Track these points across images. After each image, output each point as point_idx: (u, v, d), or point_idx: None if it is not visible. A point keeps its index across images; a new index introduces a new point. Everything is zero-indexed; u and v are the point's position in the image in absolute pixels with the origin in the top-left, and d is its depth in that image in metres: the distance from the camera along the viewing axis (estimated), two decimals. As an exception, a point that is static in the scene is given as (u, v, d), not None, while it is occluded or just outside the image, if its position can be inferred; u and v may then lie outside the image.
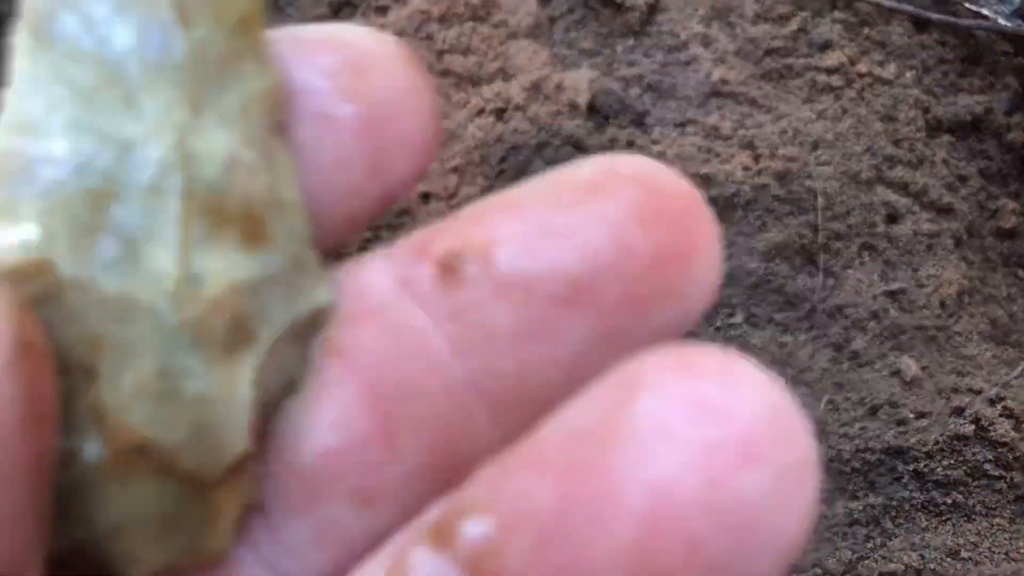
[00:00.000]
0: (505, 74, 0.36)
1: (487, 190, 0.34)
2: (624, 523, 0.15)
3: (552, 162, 0.35)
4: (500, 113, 0.36)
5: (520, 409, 0.19)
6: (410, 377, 0.19)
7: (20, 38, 0.19)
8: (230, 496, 0.19)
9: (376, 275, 0.21)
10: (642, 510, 0.15)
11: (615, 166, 0.19)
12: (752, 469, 0.16)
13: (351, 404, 0.20)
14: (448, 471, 0.20)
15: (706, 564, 0.15)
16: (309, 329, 0.20)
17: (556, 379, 0.19)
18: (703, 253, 0.19)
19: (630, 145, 0.35)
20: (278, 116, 0.20)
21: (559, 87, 0.36)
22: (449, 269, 0.19)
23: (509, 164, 0.35)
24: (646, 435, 0.16)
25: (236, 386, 0.19)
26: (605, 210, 0.19)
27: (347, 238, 0.22)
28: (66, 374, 0.19)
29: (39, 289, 0.18)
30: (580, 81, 0.36)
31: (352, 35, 0.21)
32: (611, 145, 0.35)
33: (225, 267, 0.19)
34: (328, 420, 0.20)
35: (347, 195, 0.21)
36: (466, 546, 0.17)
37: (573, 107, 0.36)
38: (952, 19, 0.39)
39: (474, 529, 0.17)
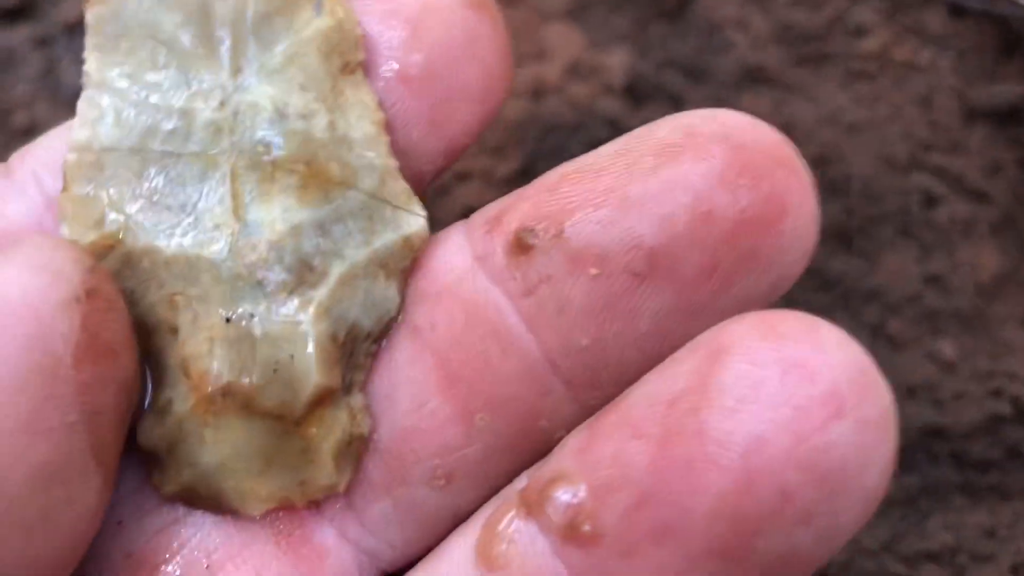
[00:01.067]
0: (540, 56, 0.37)
1: (524, 170, 0.35)
2: (719, 478, 0.16)
3: (588, 143, 0.35)
4: (536, 95, 0.36)
5: (598, 384, 0.19)
6: (485, 356, 0.19)
7: (87, 46, 0.21)
8: (323, 429, 0.20)
9: (451, 250, 0.21)
10: (736, 465, 0.16)
11: (695, 124, 0.19)
12: (838, 424, 0.16)
13: (427, 384, 0.20)
14: (528, 447, 0.20)
15: (797, 513, 0.16)
16: (399, 258, 0.21)
17: (635, 354, 0.19)
18: (795, 213, 0.18)
19: (666, 127, 0.35)
20: (347, 56, 0.21)
21: (594, 70, 0.36)
22: (522, 243, 0.19)
23: (545, 145, 0.35)
24: (738, 396, 0.16)
25: (299, 323, 0.19)
26: (683, 174, 0.18)
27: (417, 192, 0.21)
28: (156, 334, 0.20)
29: (118, 261, 0.20)
30: (615, 64, 0.36)
31: None
32: (647, 127, 0.35)
33: (282, 212, 0.20)
34: (404, 401, 0.20)
35: (408, 152, 0.21)
36: (558, 513, 0.17)
37: (608, 89, 0.36)
38: (989, 7, 0.38)
39: (565, 496, 0.17)
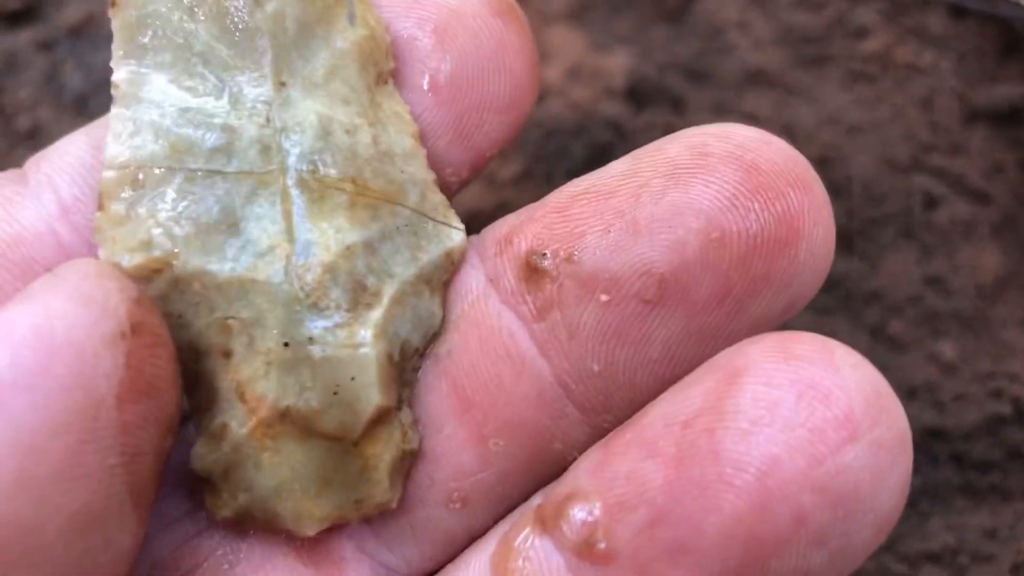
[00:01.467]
0: (542, 59, 0.37)
1: (525, 172, 0.35)
2: (734, 499, 0.16)
3: (589, 145, 0.35)
4: (537, 97, 0.36)
5: (611, 408, 0.19)
6: (499, 380, 0.19)
7: (115, 56, 0.20)
8: (379, 447, 0.19)
9: (465, 270, 0.20)
10: (751, 486, 0.16)
11: (708, 142, 0.18)
12: (853, 446, 0.16)
13: (442, 410, 0.20)
14: (542, 470, 0.20)
15: (812, 536, 0.16)
16: (442, 273, 0.20)
17: (647, 379, 0.19)
18: (809, 234, 0.18)
19: (668, 129, 0.35)
20: (380, 66, 0.20)
21: (596, 72, 0.36)
22: (532, 266, 0.19)
23: (548, 147, 0.35)
24: (753, 417, 0.16)
25: (358, 346, 0.19)
26: (693, 198, 0.18)
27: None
28: (206, 358, 0.19)
29: (163, 286, 0.19)
30: (617, 66, 0.36)
31: None
32: (649, 129, 0.35)
33: (334, 232, 0.19)
34: (421, 427, 0.20)
35: (435, 162, 0.21)
36: (574, 530, 0.17)
37: (610, 92, 0.36)
38: (989, 8, 0.39)
39: (580, 514, 0.17)
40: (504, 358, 0.19)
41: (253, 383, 0.19)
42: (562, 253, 0.19)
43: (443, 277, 0.20)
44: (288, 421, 0.19)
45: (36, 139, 0.35)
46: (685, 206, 0.18)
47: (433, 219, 0.20)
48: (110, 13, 0.20)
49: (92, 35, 0.36)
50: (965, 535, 0.30)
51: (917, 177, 0.35)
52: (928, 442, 0.31)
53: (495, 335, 0.19)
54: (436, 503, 0.20)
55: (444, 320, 0.20)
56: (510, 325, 0.19)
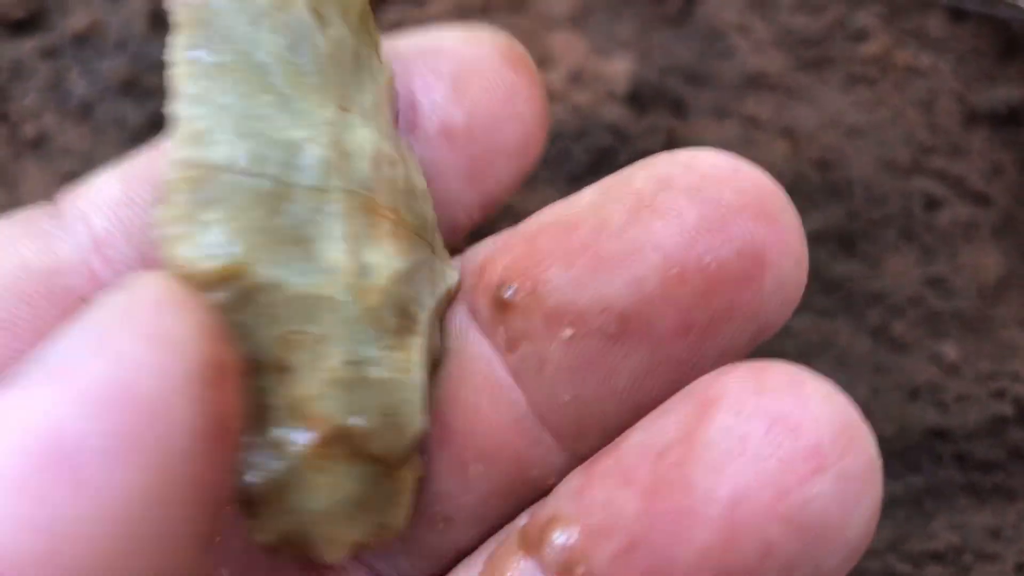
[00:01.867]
0: (544, 64, 0.37)
1: (528, 177, 0.35)
2: (704, 530, 0.16)
3: (591, 150, 0.35)
4: (540, 102, 0.36)
5: (584, 436, 0.19)
6: (479, 408, 0.20)
7: (176, 55, 0.19)
8: (408, 472, 0.20)
9: (455, 301, 0.21)
10: (720, 518, 0.16)
11: (673, 173, 0.18)
12: (822, 478, 0.16)
13: (425, 437, 0.20)
14: (523, 493, 0.20)
15: (779, 566, 0.16)
16: (443, 308, 0.21)
17: (616, 408, 0.19)
18: (775, 265, 0.18)
19: (670, 133, 0.35)
20: (394, 107, 0.21)
21: (598, 77, 0.37)
22: (500, 300, 0.19)
23: (550, 151, 0.35)
24: (723, 449, 0.16)
25: (410, 369, 0.19)
26: (652, 233, 0.18)
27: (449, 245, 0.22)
28: (261, 373, 0.19)
29: (234, 293, 0.18)
30: (619, 71, 0.37)
31: (452, 41, 0.21)
32: (650, 133, 0.35)
33: (384, 257, 0.20)
34: None
35: (446, 203, 0.21)
36: (555, 553, 0.18)
37: (612, 96, 0.36)
38: (988, 10, 0.39)
39: (561, 538, 0.18)
40: (483, 387, 0.20)
41: (312, 401, 0.18)
42: (528, 286, 0.19)
43: (443, 313, 0.21)
44: (344, 441, 0.19)
45: (42, 147, 0.35)
46: (644, 242, 0.18)
47: (439, 257, 0.21)
48: (173, 13, 0.19)
49: (97, 42, 0.36)
50: (969, 534, 0.30)
51: (917, 179, 0.35)
52: (931, 442, 0.32)
53: (474, 364, 0.20)
54: (420, 523, 0.20)
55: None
56: (487, 354, 0.20)
